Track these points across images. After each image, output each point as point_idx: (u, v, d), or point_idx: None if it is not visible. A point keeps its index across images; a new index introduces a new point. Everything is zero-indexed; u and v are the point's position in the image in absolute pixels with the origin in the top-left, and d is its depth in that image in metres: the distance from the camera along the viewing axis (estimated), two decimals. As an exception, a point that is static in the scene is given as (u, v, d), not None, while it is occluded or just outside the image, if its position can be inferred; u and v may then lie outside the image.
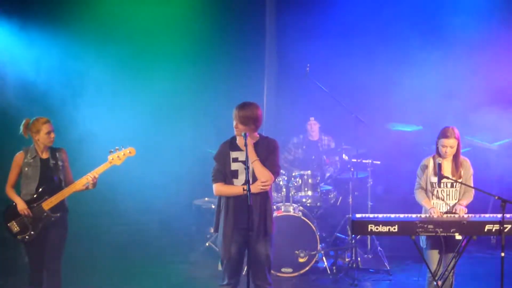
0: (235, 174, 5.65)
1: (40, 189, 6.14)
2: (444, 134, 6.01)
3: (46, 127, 6.14)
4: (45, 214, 6.12)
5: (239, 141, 5.69)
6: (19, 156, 6.21)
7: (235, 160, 5.66)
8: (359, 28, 9.32)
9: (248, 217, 5.44)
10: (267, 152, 5.70)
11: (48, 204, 6.11)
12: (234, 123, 5.67)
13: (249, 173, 5.51)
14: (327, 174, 8.89)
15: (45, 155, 6.22)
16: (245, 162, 5.57)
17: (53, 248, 6.22)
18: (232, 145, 5.74)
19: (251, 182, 5.58)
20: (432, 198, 6.11)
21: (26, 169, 6.17)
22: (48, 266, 6.23)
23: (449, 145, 5.98)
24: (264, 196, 5.68)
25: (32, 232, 6.13)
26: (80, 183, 6.15)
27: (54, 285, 6.28)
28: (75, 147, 7.97)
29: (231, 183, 5.66)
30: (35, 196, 6.14)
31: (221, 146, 5.80)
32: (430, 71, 9.32)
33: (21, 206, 6.11)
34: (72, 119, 8.75)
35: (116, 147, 6.25)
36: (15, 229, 6.14)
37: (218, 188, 5.71)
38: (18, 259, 6.46)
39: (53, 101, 8.67)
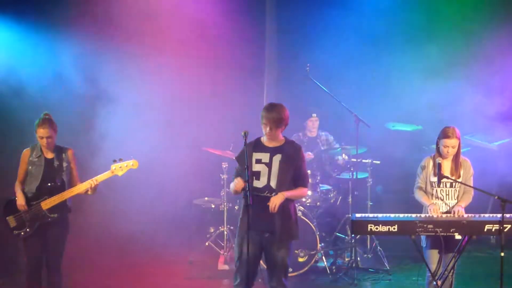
0: (257, 175, 5.62)
1: (40, 189, 6.17)
2: (445, 134, 6.01)
3: (41, 132, 6.18)
4: (42, 213, 6.16)
5: (267, 141, 5.70)
6: (25, 153, 6.29)
7: (258, 161, 5.64)
8: (359, 27, 9.31)
9: (248, 216, 5.47)
10: (294, 161, 5.68)
11: (46, 204, 6.15)
12: (266, 126, 5.62)
13: (249, 172, 5.50)
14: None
15: (50, 155, 6.26)
16: (268, 164, 5.60)
17: (51, 247, 6.25)
18: (256, 146, 5.70)
19: (273, 185, 5.61)
20: (432, 198, 6.11)
21: (30, 167, 6.22)
22: (48, 264, 6.26)
23: (451, 145, 5.99)
24: (288, 201, 5.67)
25: (27, 230, 6.17)
26: (81, 188, 6.21)
27: (54, 283, 6.30)
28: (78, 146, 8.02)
29: (252, 184, 5.62)
30: (35, 194, 6.18)
31: (244, 147, 5.72)
32: (431, 71, 9.32)
33: (19, 201, 6.17)
34: (73, 118, 8.76)
35: (120, 158, 6.30)
36: (12, 223, 6.19)
37: (231, 185, 5.79)
38: (18, 258, 6.48)
39: (63, 101, 8.69)
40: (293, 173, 5.67)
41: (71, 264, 6.86)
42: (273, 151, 5.68)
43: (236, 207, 8.51)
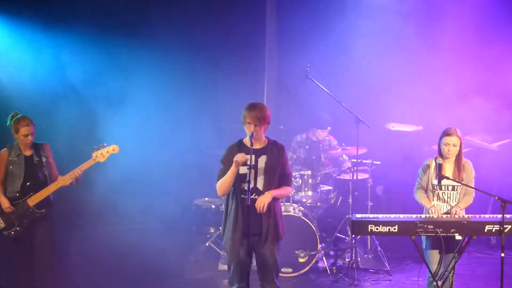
0: (243, 178, 5.57)
1: (25, 186, 6.21)
2: (446, 132, 6.04)
3: (25, 130, 6.22)
4: (30, 210, 6.21)
5: (248, 142, 5.62)
6: (3, 154, 6.33)
7: (244, 164, 5.57)
8: (360, 28, 9.31)
9: (248, 217, 5.47)
10: (279, 161, 5.66)
11: (33, 200, 6.21)
12: (250, 125, 5.57)
13: (251, 173, 5.46)
14: (325, 171, 8.86)
15: (28, 152, 6.33)
16: (253, 166, 5.54)
17: (41, 243, 6.30)
18: (240, 149, 5.66)
19: (260, 187, 5.60)
20: (433, 200, 6.11)
21: (11, 167, 6.26)
22: (38, 262, 6.29)
23: (452, 143, 5.99)
24: (274, 200, 5.67)
25: (18, 228, 6.22)
26: (65, 180, 6.24)
27: (46, 282, 6.31)
28: (73, 143, 8.06)
29: (240, 187, 5.61)
30: (20, 193, 6.22)
31: (228, 149, 5.73)
32: (431, 71, 9.33)
33: (4, 205, 6.22)
34: (74, 118, 8.78)
35: (100, 144, 6.34)
36: (1, 225, 6.21)
37: (218, 184, 5.67)
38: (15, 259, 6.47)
39: (64, 102, 8.72)
40: (278, 173, 5.67)
41: (70, 264, 6.87)
42: (258, 153, 5.65)
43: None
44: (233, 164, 5.52)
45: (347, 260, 8.09)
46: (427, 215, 5.95)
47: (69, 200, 7.92)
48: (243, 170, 5.57)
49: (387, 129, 9.28)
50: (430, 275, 5.98)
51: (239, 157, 5.50)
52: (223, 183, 5.62)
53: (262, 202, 5.53)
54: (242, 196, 5.58)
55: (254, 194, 5.59)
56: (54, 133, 7.96)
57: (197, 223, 9.07)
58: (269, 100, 9.77)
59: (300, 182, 8.34)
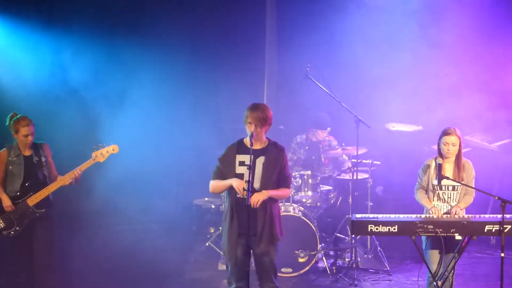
0: (240, 177, 5.58)
1: (25, 186, 6.22)
2: (445, 132, 6.05)
3: (25, 130, 6.23)
4: (30, 210, 6.23)
5: (248, 142, 5.64)
6: (3, 154, 6.35)
7: (242, 163, 5.60)
8: (360, 28, 9.30)
9: (245, 217, 5.46)
10: (278, 162, 5.65)
11: (33, 200, 6.23)
12: (251, 125, 5.59)
13: (250, 173, 5.47)
14: (325, 173, 8.86)
15: (28, 152, 6.35)
16: (252, 167, 5.54)
17: (40, 243, 6.31)
18: (239, 148, 5.68)
19: (257, 188, 5.60)
20: (434, 200, 6.11)
21: (11, 167, 6.28)
22: (38, 261, 6.29)
23: (451, 142, 5.99)
24: (271, 201, 5.67)
25: (17, 228, 6.23)
26: (65, 180, 6.25)
27: (46, 282, 6.31)
28: (74, 143, 8.07)
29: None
30: (20, 192, 6.23)
31: (228, 148, 5.75)
32: (431, 71, 9.32)
33: (5, 203, 6.22)
34: (74, 118, 8.78)
35: (100, 144, 6.35)
36: (1, 225, 6.22)
37: (211, 183, 5.72)
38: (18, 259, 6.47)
39: (64, 102, 8.72)
40: (277, 175, 5.67)
41: (69, 264, 6.85)
42: (257, 153, 5.65)
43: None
44: (228, 181, 5.58)
45: (347, 260, 8.09)
46: (427, 215, 5.95)
47: (69, 200, 7.92)
48: (241, 170, 5.59)
49: (387, 129, 9.28)
50: (430, 275, 5.98)
51: (239, 185, 5.51)
52: (215, 188, 5.74)
53: (257, 198, 5.53)
54: (239, 196, 5.59)
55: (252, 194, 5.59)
56: (54, 133, 7.95)
57: (197, 223, 9.07)
58: (269, 100, 9.77)
59: (300, 182, 8.33)
